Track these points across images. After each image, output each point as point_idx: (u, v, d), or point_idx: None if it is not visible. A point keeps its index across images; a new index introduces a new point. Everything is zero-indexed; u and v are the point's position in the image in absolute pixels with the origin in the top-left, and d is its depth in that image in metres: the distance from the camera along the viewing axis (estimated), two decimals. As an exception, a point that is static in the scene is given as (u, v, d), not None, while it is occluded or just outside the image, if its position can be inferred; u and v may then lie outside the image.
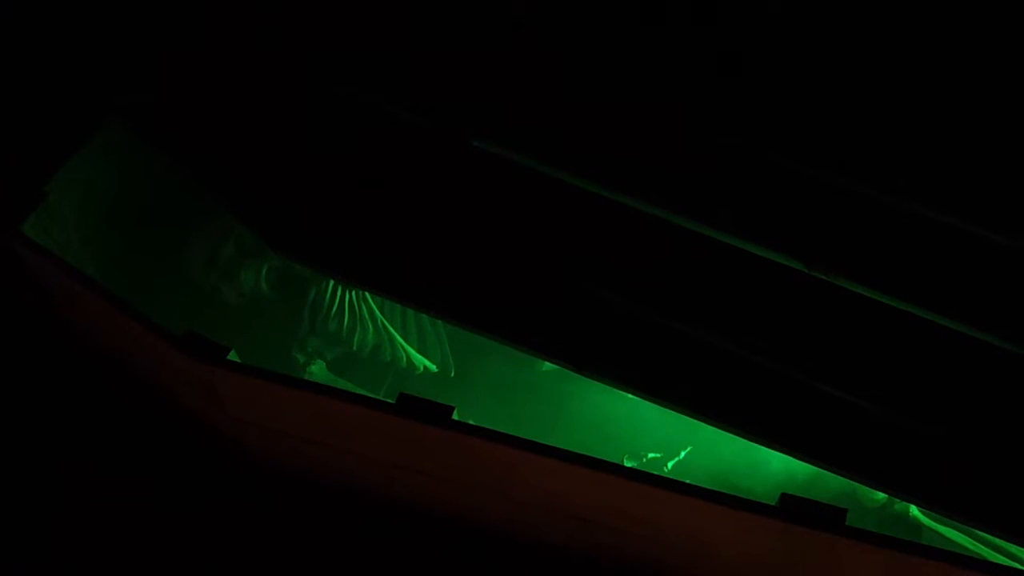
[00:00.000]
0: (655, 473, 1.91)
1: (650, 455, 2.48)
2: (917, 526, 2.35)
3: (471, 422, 2.44)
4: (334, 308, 2.53)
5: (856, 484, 2.08)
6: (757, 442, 2.07)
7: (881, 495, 2.31)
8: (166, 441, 2.50)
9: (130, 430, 2.54)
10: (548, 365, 2.41)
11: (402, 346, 2.50)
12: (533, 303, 2.30)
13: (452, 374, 2.56)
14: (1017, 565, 2.16)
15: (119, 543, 2.41)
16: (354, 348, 2.55)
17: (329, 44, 2.27)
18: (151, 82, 2.50)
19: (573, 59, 2.21)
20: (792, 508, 1.80)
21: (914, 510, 2.35)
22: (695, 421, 2.17)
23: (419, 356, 2.51)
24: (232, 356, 2.11)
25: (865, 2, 1.95)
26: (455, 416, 1.96)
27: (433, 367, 2.53)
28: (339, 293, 2.52)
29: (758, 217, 2.08)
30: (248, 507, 2.47)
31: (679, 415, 2.17)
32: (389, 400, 2.54)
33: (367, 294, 2.50)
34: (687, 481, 1.89)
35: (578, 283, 2.25)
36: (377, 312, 2.50)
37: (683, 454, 2.40)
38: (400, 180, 2.33)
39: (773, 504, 1.81)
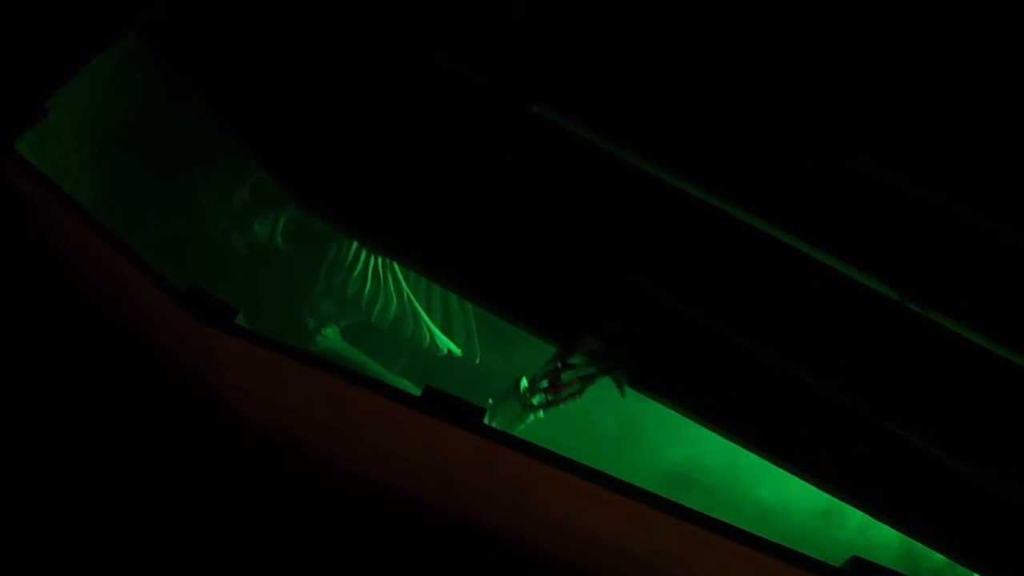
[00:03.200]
0: (693, 509, 1.67)
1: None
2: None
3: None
4: (355, 271, 2.28)
5: (915, 543, 1.85)
6: (812, 483, 1.83)
7: (940, 558, 2.09)
8: (159, 401, 2.27)
9: (121, 386, 2.30)
10: (586, 365, 2.16)
11: (426, 324, 2.25)
12: (574, 293, 2.05)
13: (477, 361, 2.32)
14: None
15: (102, 506, 2.20)
16: (373, 318, 2.30)
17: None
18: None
19: (653, 33, 1.94)
20: (863, 573, 1.58)
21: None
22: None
23: (443, 337, 2.26)
24: (240, 320, 1.86)
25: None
26: (487, 420, 1.72)
27: (457, 351, 2.29)
28: (362, 256, 2.27)
29: (855, 234, 1.83)
30: (241, 481, 2.25)
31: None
32: (405, 379, 2.31)
33: (394, 262, 2.24)
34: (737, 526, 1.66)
35: (629, 277, 2.00)
36: (403, 283, 2.24)
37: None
38: (448, 140, 2.06)
39: (840, 566, 1.58)
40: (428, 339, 2.25)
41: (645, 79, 1.99)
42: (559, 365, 2.03)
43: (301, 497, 2.16)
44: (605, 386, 2.06)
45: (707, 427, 1.82)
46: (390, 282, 2.23)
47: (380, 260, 2.24)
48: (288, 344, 1.82)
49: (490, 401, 2.10)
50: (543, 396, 2.04)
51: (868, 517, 1.73)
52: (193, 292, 1.89)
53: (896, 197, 1.86)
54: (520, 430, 2.11)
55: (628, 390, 1.89)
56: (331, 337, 2.29)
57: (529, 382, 2.10)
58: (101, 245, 2.03)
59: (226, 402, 2.19)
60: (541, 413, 2.10)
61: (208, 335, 1.88)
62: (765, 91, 1.92)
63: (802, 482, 1.76)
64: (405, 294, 2.23)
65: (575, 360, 2.01)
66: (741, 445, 1.83)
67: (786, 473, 1.77)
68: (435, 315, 2.30)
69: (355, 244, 2.28)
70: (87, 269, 2.35)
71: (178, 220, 2.45)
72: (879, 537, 2.04)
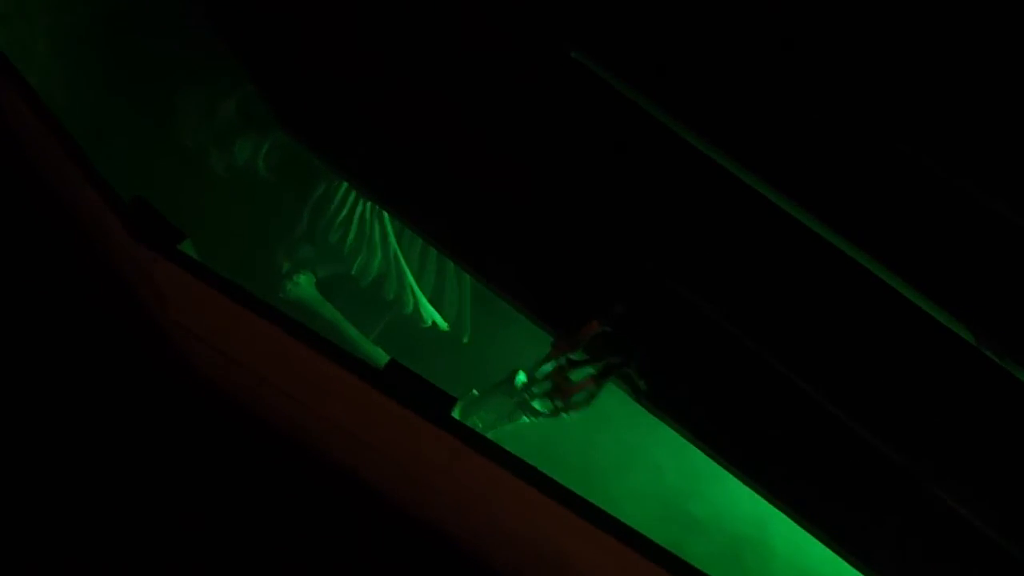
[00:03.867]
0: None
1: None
2: None
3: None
4: (340, 215, 1.97)
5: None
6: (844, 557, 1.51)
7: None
8: (107, 333, 1.98)
9: (71, 310, 2.01)
10: (587, 362, 1.83)
11: (412, 288, 1.93)
12: (587, 278, 1.73)
13: (465, 340, 2.00)
14: None
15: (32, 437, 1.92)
16: (353, 271, 1.99)
17: None
18: None
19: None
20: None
21: None
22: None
23: (429, 307, 1.95)
24: (186, 247, 1.56)
25: None
26: (455, 414, 1.41)
27: (444, 325, 1.97)
28: (351, 200, 1.96)
29: (930, 255, 1.50)
30: (187, 434, 1.96)
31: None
32: (380, 348, 2.01)
33: (383, 211, 1.93)
34: None
35: (653, 270, 1.68)
36: (392, 238, 1.93)
37: None
38: (469, 79, 1.74)
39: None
40: (412, 306, 1.94)
41: (701, 37, 1.66)
42: (564, 362, 1.70)
43: (244, 464, 1.87)
44: (609, 395, 1.73)
45: (714, 458, 1.50)
46: (376, 233, 1.92)
47: (368, 206, 1.93)
48: (237, 285, 1.52)
49: (474, 392, 1.80)
50: (549, 402, 1.72)
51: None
52: (137, 205, 1.59)
53: (989, 223, 1.52)
54: (507, 431, 1.81)
55: (636, 407, 1.57)
56: (303, 286, 1.99)
57: (528, 377, 1.78)
58: (48, 140, 1.74)
59: (174, 340, 1.90)
60: (543, 419, 1.76)
61: (146, 258, 1.58)
62: (836, 64, 1.57)
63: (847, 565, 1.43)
64: (392, 250, 1.91)
65: (580, 356, 1.69)
66: (752, 487, 1.51)
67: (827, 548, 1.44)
68: (426, 280, 1.99)
69: (345, 185, 1.97)
70: (44, 175, 2.06)
71: (154, 128, 2.15)
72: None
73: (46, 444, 1.87)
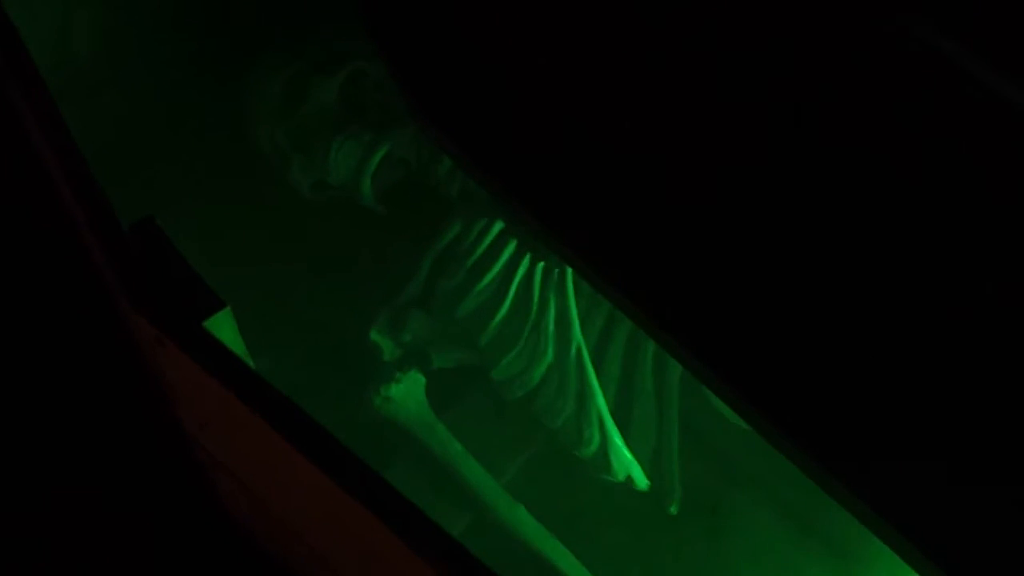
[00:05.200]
0: None
1: None
2: None
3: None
4: (489, 276, 1.20)
5: None
6: None
7: None
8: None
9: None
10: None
11: (601, 417, 1.13)
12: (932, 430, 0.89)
13: (673, 510, 1.17)
14: None
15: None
16: (494, 373, 1.21)
17: None
18: None
19: None
20: None
21: None
22: None
23: (625, 451, 1.13)
24: (218, 325, 0.80)
25: None
26: None
27: (643, 482, 1.16)
28: (510, 252, 1.18)
29: None
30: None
31: None
32: (522, 508, 1.21)
33: (569, 275, 1.14)
34: None
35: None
36: (575, 322, 1.13)
37: None
38: (738, 74, 0.95)
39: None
40: (596, 443, 1.13)
41: None
42: None
43: None
44: None
45: None
46: (551, 312, 1.12)
47: (542, 267, 1.15)
48: (290, 404, 0.74)
49: None
50: None
51: None
52: (142, 236, 0.84)
53: None
54: None
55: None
56: (399, 402, 1.21)
57: None
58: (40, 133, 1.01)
59: (198, 459, 1.15)
60: None
61: (147, 333, 0.83)
62: None
63: None
64: (576, 346, 1.12)
65: None
66: None
67: None
68: (611, 394, 1.19)
69: (498, 228, 1.20)
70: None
71: (218, 128, 1.44)
72: None
73: None
